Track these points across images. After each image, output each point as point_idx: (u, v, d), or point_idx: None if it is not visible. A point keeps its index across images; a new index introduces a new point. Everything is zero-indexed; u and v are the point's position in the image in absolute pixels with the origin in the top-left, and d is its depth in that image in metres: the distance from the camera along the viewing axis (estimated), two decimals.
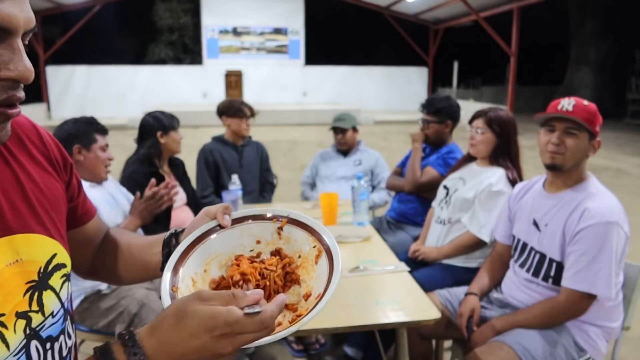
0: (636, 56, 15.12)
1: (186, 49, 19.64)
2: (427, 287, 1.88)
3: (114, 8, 15.75)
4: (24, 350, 0.65)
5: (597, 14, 16.12)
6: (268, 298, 0.69)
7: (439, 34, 16.53)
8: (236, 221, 0.79)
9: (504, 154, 2.19)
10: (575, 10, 16.69)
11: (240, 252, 0.78)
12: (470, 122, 2.22)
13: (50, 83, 15.05)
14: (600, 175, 7.12)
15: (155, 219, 2.13)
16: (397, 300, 1.60)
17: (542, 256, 1.65)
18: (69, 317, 0.76)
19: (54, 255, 0.72)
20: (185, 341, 0.56)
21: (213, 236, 0.78)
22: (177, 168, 2.71)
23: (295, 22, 17.46)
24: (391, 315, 1.51)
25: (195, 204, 2.72)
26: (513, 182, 2.11)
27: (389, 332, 2.03)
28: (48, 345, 0.70)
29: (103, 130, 2.04)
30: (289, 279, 0.74)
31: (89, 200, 0.91)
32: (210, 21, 17.06)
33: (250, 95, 17.18)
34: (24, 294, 0.66)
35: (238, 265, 0.75)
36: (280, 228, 0.78)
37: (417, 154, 2.77)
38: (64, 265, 0.74)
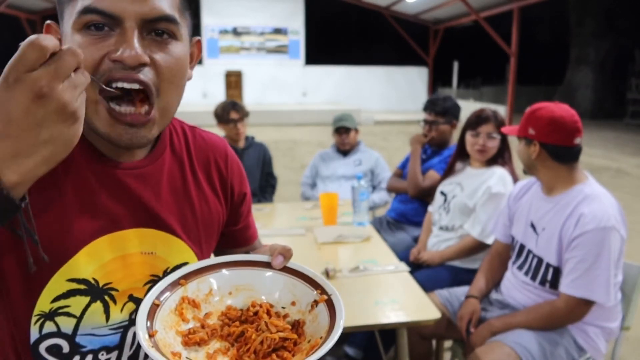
0: (636, 56, 15.12)
1: None
2: (427, 287, 1.87)
3: None
4: (122, 330, 0.73)
5: (597, 14, 16.13)
6: (239, 349, 0.64)
7: (439, 34, 16.54)
8: (288, 270, 0.74)
9: (502, 153, 2.20)
10: (575, 10, 16.70)
11: (272, 302, 0.73)
12: (473, 127, 2.19)
13: None
14: (600, 175, 7.13)
15: None
16: (397, 300, 1.60)
17: (540, 260, 1.65)
18: None
19: (184, 263, 0.77)
20: None
21: (258, 270, 0.75)
22: None
23: (295, 22, 17.47)
24: (391, 315, 1.50)
25: None
26: (515, 181, 2.12)
27: (389, 332, 2.03)
28: None
29: None
30: (280, 354, 0.65)
31: (252, 230, 0.95)
32: (210, 21, 17.06)
33: (250, 95, 17.19)
34: (144, 284, 0.73)
35: (260, 307, 0.71)
36: (316, 302, 0.71)
37: (415, 159, 2.74)
38: None
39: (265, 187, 3.26)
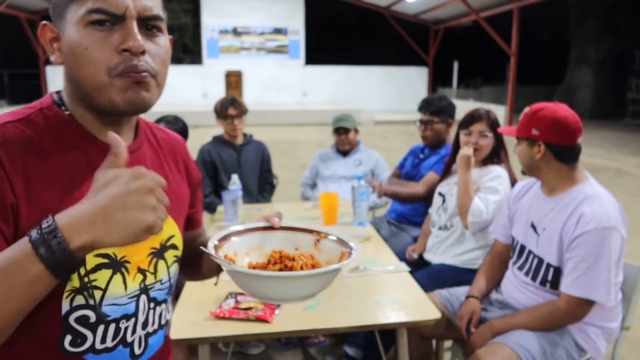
0: (636, 56, 15.12)
1: (186, 49, 19.64)
2: (427, 287, 1.87)
3: None
4: (135, 298, 0.83)
5: (597, 14, 16.13)
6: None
7: (439, 34, 16.54)
8: (285, 228, 0.93)
9: (497, 153, 2.20)
10: (575, 10, 16.70)
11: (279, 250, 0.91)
12: (466, 126, 2.20)
13: (50, 83, 15.05)
14: (600, 175, 7.13)
15: None
16: (397, 300, 1.60)
17: (540, 260, 1.65)
18: (170, 295, 0.92)
19: (172, 236, 0.89)
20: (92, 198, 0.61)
21: (261, 233, 0.92)
22: None
23: (295, 22, 17.47)
24: (391, 315, 1.50)
25: None
26: (512, 179, 2.13)
27: (389, 332, 2.03)
28: (152, 305, 0.87)
29: None
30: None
31: (200, 214, 1.08)
32: (210, 21, 17.06)
33: (250, 95, 17.19)
34: (147, 256, 0.84)
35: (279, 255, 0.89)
36: (318, 240, 0.91)
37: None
38: (177, 248, 0.92)
39: (264, 186, 3.25)
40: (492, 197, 2.07)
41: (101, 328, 0.78)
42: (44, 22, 0.77)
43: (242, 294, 1.59)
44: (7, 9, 12.36)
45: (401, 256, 2.13)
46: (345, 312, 1.52)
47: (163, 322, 0.90)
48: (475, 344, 1.65)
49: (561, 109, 1.60)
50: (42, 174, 0.73)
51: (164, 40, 0.79)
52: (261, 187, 3.23)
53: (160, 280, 0.87)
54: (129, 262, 0.81)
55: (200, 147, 3.17)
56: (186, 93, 16.62)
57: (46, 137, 0.75)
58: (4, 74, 16.25)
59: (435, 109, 2.73)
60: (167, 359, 0.96)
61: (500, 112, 12.66)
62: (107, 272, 0.77)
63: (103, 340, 0.79)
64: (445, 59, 17.60)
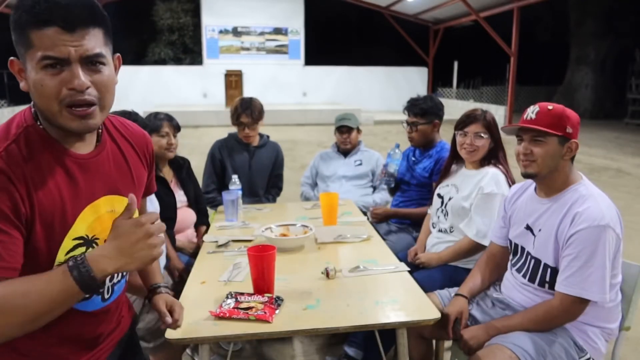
0: (636, 56, 15.11)
1: (186, 49, 19.59)
2: (427, 287, 1.87)
3: (114, 8, 15.71)
4: None
5: (597, 14, 16.12)
6: None
7: (439, 34, 16.53)
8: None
9: (495, 154, 2.19)
10: (575, 10, 16.69)
11: None
12: (461, 127, 2.19)
13: None
14: (600, 175, 7.13)
15: (163, 219, 2.16)
16: (397, 300, 1.60)
17: (538, 261, 1.65)
18: None
19: None
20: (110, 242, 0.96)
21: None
22: (181, 169, 2.62)
23: (295, 22, 17.46)
24: (391, 315, 1.50)
25: (196, 203, 2.69)
26: (510, 181, 2.13)
27: (389, 332, 2.03)
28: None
29: None
30: None
31: (154, 182, 1.38)
32: (210, 21, 17.05)
33: (250, 95, 17.10)
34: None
35: None
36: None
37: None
38: None
39: (271, 189, 3.20)
40: (487, 218, 2.08)
41: None
42: (12, 58, 0.98)
43: (241, 293, 1.59)
44: (7, 8, 12.35)
45: (401, 256, 2.13)
46: (345, 312, 1.52)
47: (124, 272, 1.23)
48: (470, 346, 1.64)
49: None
50: (37, 182, 0.98)
51: (108, 70, 1.00)
52: (268, 190, 3.17)
53: None
54: (97, 238, 1.10)
55: (214, 141, 3.13)
56: (186, 93, 16.59)
57: (32, 152, 0.99)
58: (4, 74, 16.21)
59: (419, 110, 2.71)
60: (124, 294, 1.31)
61: (500, 112, 12.65)
62: (82, 249, 1.06)
63: None
64: (445, 59, 17.56)
